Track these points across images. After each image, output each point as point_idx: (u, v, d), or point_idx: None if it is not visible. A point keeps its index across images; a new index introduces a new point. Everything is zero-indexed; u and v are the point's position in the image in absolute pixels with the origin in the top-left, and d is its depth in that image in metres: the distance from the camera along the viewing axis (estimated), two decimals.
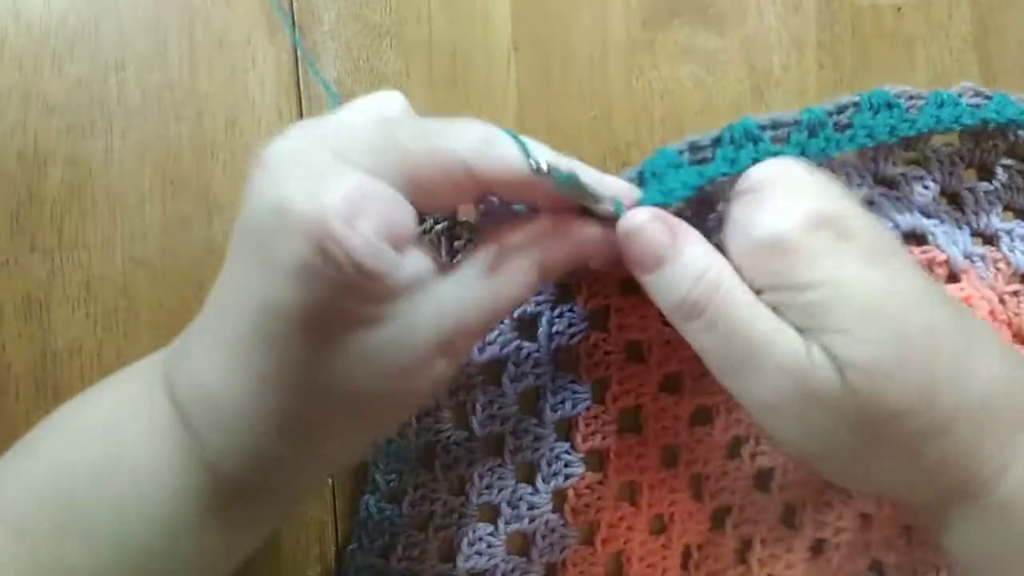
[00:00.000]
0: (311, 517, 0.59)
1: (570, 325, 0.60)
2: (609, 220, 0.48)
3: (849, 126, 0.57)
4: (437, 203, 0.46)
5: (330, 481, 0.60)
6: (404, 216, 0.43)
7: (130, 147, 0.57)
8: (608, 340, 0.61)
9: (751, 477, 0.64)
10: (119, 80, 0.57)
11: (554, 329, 0.60)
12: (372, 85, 0.59)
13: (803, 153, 0.55)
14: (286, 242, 0.40)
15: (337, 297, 0.41)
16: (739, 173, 0.50)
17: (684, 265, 0.46)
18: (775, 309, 0.45)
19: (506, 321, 0.59)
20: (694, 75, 0.63)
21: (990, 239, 0.63)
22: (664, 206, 0.49)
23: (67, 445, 0.46)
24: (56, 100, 0.57)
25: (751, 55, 0.63)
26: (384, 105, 0.47)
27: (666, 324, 0.61)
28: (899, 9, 0.64)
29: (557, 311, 0.60)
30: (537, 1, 0.62)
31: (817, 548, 0.64)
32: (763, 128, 0.56)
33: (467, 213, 0.55)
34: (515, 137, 0.44)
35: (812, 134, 0.56)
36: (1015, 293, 0.62)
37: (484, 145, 0.43)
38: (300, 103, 0.59)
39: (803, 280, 0.44)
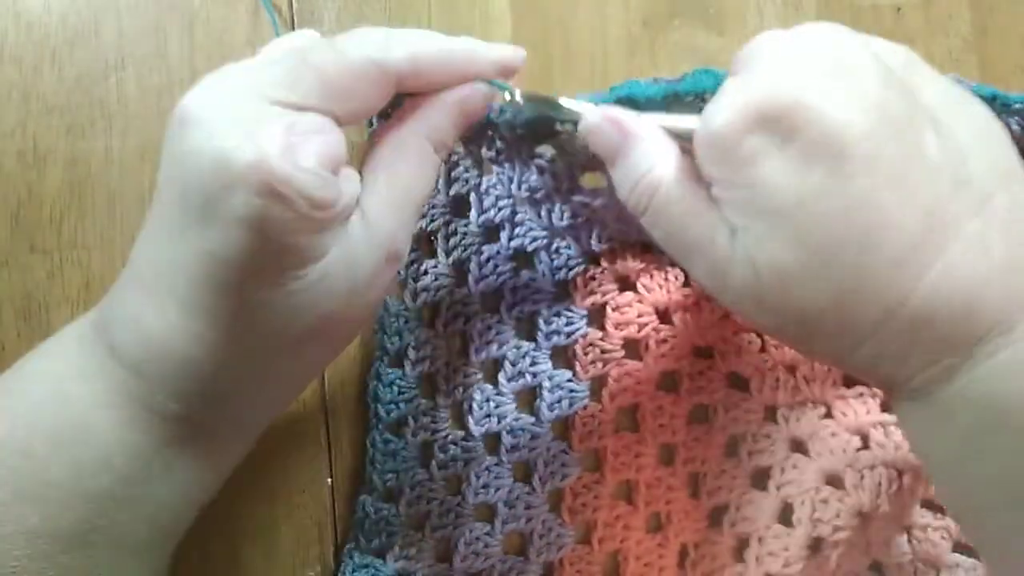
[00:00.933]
0: (310, 518, 0.60)
1: (567, 324, 0.60)
2: None
3: None
4: (357, 110, 0.46)
5: (329, 482, 0.60)
6: (336, 140, 0.44)
7: (130, 147, 0.57)
8: (605, 339, 0.61)
9: (748, 475, 0.64)
10: (119, 80, 0.57)
11: (551, 328, 0.60)
12: None
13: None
14: (234, 195, 0.40)
15: (289, 236, 0.42)
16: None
17: (627, 166, 0.48)
18: (718, 200, 0.46)
19: (506, 320, 0.60)
20: None
21: None
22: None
23: (19, 417, 0.45)
24: (56, 100, 0.57)
25: None
26: (295, 41, 0.48)
27: (664, 322, 0.61)
28: (899, 9, 0.64)
29: (554, 310, 0.60)
30: (537, 1, 0.62)
31: (815, 546, 0.64)
32: None
33: None
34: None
35: None
36: None
37: (388, 40, 0.46)
38: None
39: (731, 178, 0.44)
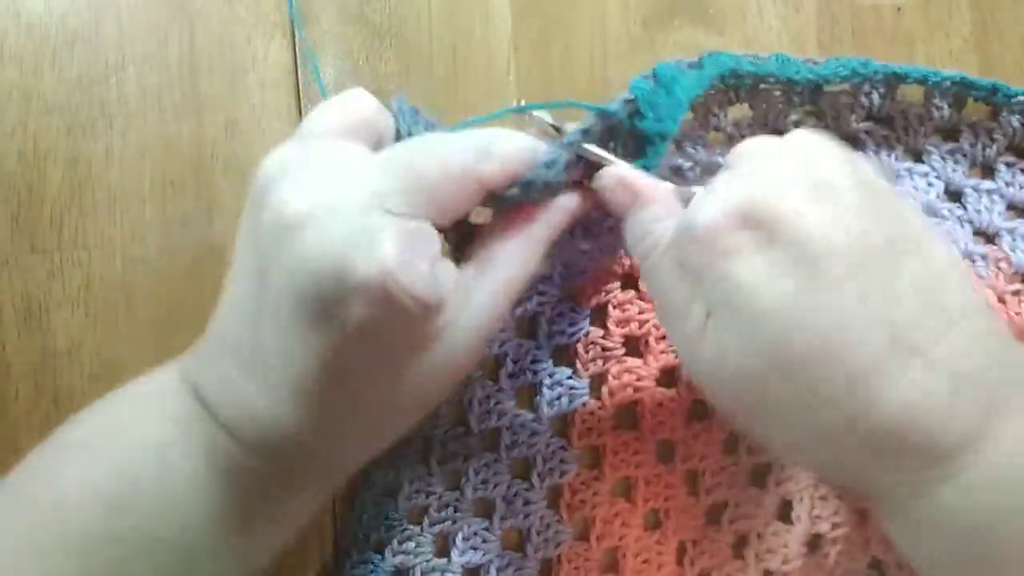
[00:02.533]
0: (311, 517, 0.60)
1: (569, 323, 0.61)
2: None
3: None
4: (452, 215, 0.48)
5: None
6: (434, 239, 0.46)
7: (130, 147, 0.57)
8: (606, 336, 0.61)
9: (747, 472, 0.64)
10: (119, 80, 0.57)
11: (553, 326, 0.61)
12: (372, 85, 0.59)
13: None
14: (354, 306, 0.43)
15: (402, 336, 0.45)
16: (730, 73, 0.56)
17: (630, 228, 0.51)
18: (693, 283, 0.46)
19: (508, 318, 0.60)
20: None
21: (992, 238, 0.63)
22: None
23: (124, 474, 0.46)
24: (56, 100, 0.57)
25: None
26: (357, 107, 0.49)
27: None
28: (899, 9, 0.64)
29: (556, 309, 0.61)
30: (537, 1, 0.62)
31: (814, 544, 0.64)
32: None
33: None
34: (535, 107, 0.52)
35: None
36: (1016, 293, 0.62)
37: (485, 149, 0.48)
38: (299, 104, 0.59)
39: (708, 271, 0.45)
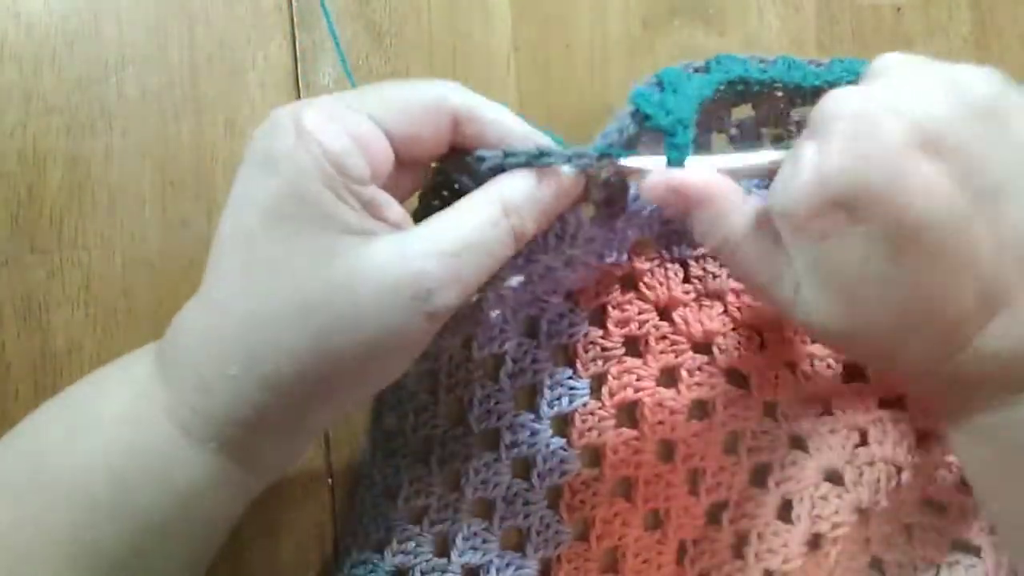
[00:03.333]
0: (310, 518, 0.60)
1: (569, 324, 0.61)
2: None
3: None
4: (411, 134, 0.47)
5: (329, 481, 0.60)
6: (381, 145, 0.46)
7: (130, 147, 0.57)
8: (606, 336, 0.61)
9: (748, 472, 0.64)
10: (119, 80, 0.57)
11: (553, 327, 0.61)
12: None
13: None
14: (269, 140, 0.44)
15: (308, 187, 0.43)
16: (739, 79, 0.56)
17: (696, 226, 0.51)
18: (787, 251, 0.48)
19: (508, 320, 0.60)
20: None
21: None
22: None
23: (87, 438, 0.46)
24: (56, 100, 0.57)
25: None
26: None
27: (663, 319, 0.61)
28: (899, 9, 0.64)
29: (556, 309, 0.61)
30: (537, 1, 0.62)
31: (814, 543, 0.64)
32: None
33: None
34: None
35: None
36: None
37: (459, 87, 0.48)
38: None
39: (800, 245, 0.46)
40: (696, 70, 0.57)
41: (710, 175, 0.50)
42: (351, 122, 0.45)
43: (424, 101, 0.47)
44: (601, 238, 0.57)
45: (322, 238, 0.43)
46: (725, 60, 0.57)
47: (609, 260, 0.60)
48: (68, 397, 0.48)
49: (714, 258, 0.61)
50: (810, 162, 0.45)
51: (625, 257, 0.61)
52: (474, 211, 0.47)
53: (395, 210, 0.47)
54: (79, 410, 0.47)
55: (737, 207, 0.49)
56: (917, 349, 0.47)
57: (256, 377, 0.44)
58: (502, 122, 0.49)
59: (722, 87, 0.57)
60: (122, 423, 0.45)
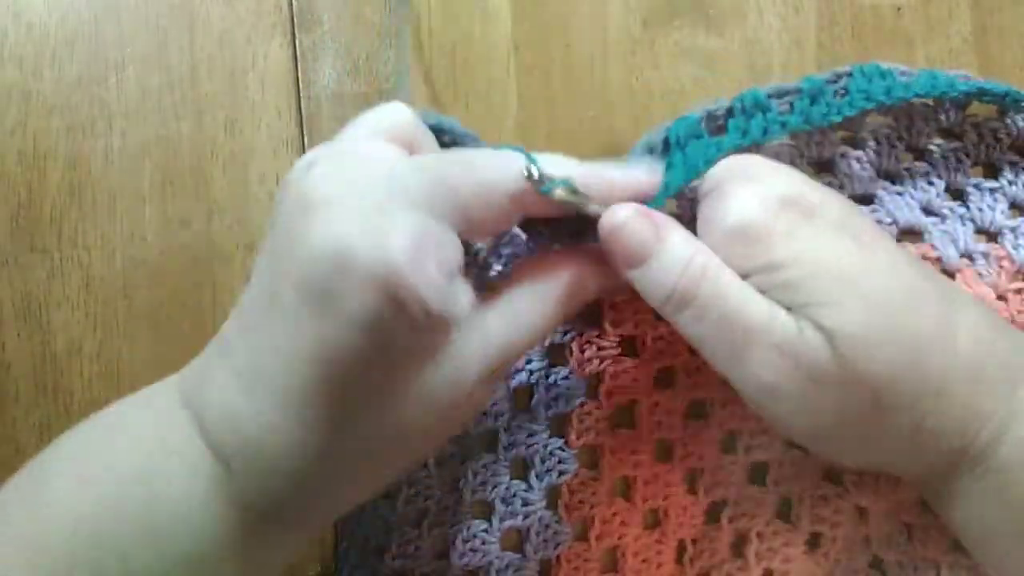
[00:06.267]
0: None
1: (564, 322, 0.61)
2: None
3: (847, 93, 0.57)
4: (480, 233, 0.47)
5: None
6: (457, 255, 0.44)
7: (130, 147, 0.57)
8: (602, 336, 0.61)
9: (746, 471, 0.64)
10: (119, 80, 0.57)
11: None
12: (372, 85, 0.59)
13: (808, 120, 0.56)
14: (354, 292, 0.40)
15: (402, 341, 0.42)
16: (751, 144, 0.54)
17: (669, 255, 0.47)
18: (764, 292, 0.47)
19: None
20: (694, 75, 0.63)
21: (994, 236, 0.63)
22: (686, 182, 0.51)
23: (106, 499, 0.45)
24: (56, 100, 0.57)
25: (751, 55, 0.63)
26: (391, 119, 0.47)
27: (659, 319, 0.61)
28: (899, 9, 0.64)
29: None
30: (537, 1, 0.62)
31: (814, 542, 0.64)
32: (770, 97, 0.56)
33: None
34: (522, 151, 0.45)
35: (814, 101, 0.56)
36: (1018, 291, 0.62)
37: (520, 163, 0.44)
38: (299, 103, 0.59)
39: (779, 259, 0.46)
40: (718, 120, 0.57)
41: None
42: (444, 247, 0.43)
43: (499, 204, 0.44)
44: None
45: (398, 377, 0.43)
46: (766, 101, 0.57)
47: None
48: (82, 440, 0.48)
49: None
50: (733, 193, 0.48)
51: None
52: (549, 313, 0.48)
53: (465, 298, 0.45)
54: (94, 460, 0.47)
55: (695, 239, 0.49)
56: (930, 334, 0.47)
57: (340, 497, 0.47)
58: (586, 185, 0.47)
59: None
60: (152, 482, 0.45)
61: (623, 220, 0.47)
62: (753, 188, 0.47)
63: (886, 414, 0.47)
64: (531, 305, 0.47)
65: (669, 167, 0.52)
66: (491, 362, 0.45)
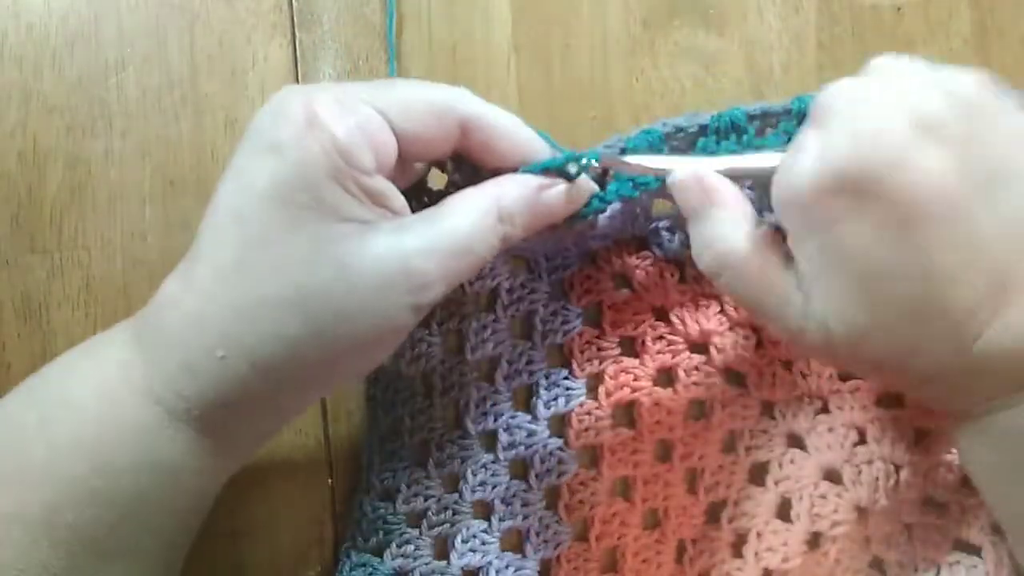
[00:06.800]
0: (310, 518, 0.60)
1: (563, 322, 0.61)
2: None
3: None
4: (417, 133, 0.47)
5: (329, 482, 0.60)
6: (387, 139, 0.46)
7: (130, 147, 0.57)
8: (601, 336, 0.61)
9: (746, 471, 0.64)
10: (119, 80, 0.57)
11: (547, 327, 0.61)
12: None
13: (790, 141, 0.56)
14: (278, 124, 0.44)
15: (313, 176, 0.44)
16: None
17: (703, 230, 0.51)
18: (793, 248, 0.48)
19: (501, 319, 0.60)
20: (694, 75, 0.63)
21: None
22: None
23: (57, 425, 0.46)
24: (56, 100, 0.57)
25: (751, 55, 0.63)
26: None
27: (660, 319, 0.61)
28: (899, 9, 0.64)
29: (550, 309, 0.61)
30: (537, 1, 0.62)
31: (814, 542, 0.64)
32: (752, 118, 0.56)
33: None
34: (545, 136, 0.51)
35: (802, 122, 0.56)
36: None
37: (469, 95, 0.49)
38: None
39: (807, 232, 0.47)
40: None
41: (735, 188, 0.51)
42: (362, 114, 0.45)
43: (433, 103, 0.48)
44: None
45: (322, 226, 0.44)
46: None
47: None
48: (38, 382, 0.48)
49: None
50: (813, 148, 0.46)
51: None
52: (472, 215, 0.48)
53: (397, 200, 0.47)
54: (52, 394, 0.47)
55: (742, 219, 0.50)
56: (929, 347, 0.47)
57: (247, 361, 0.44)
58: (511, 133, 0.50)
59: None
60: (99, 404, 0.45)
61: (680, 181, 0.52)
62: (826, 153, 0.46)
63: (883, 377, 0.53)
64: (452, 207, 0.48)
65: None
66: (411, 264, 0.45)
